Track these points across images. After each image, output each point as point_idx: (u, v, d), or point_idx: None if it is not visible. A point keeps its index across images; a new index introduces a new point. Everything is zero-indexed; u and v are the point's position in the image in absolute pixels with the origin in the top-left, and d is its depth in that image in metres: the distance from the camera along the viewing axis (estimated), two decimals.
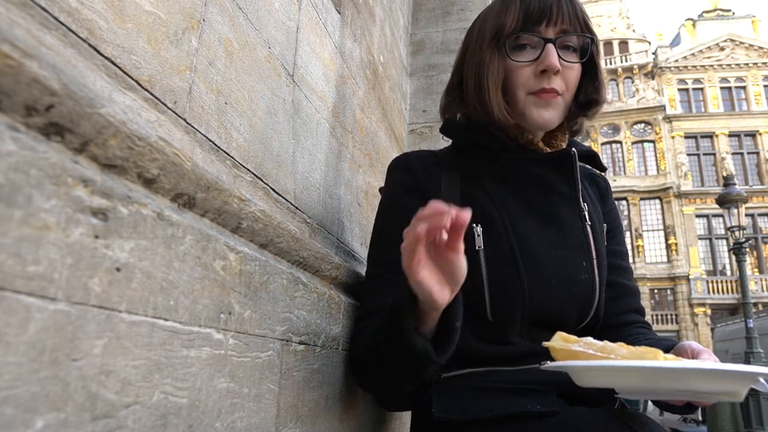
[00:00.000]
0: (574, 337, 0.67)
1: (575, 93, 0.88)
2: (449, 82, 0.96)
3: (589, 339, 0.66)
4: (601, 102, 0.91)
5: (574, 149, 0.89)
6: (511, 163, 0.89)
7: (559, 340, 0.67)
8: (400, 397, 0.91)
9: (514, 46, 0.84)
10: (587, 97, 0.90)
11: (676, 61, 23.52)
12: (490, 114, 0.85)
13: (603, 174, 1.04)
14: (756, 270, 20.28)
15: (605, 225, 0.97)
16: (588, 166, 0.99)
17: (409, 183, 0.89)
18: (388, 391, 0.88)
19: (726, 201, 7.80)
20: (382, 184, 0.98)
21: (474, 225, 0.84)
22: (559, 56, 0.82)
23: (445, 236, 0.58)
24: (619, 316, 0.93)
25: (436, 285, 0.62)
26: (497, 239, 0.83)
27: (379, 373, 0.80)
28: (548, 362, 0.67)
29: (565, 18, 0.82)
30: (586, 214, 0.90)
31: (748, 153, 21.99)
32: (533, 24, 0.82)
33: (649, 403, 11.67)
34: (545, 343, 0.68)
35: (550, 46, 0.81)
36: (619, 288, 0.95)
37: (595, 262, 0.87)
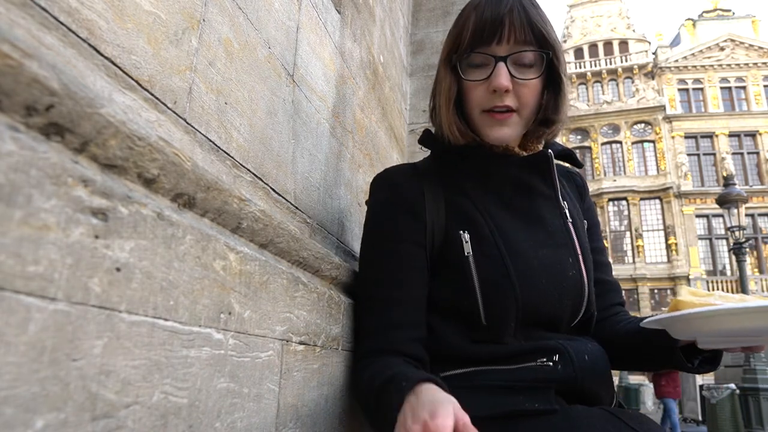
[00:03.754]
0: (704, 291, 0.73)
1: (538, 107, 0.87)
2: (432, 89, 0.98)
3: (721, 293, 0.72)
4: (557, 122, 0.89)
5: (550, 150, 0.91)
6: (490, 168, 0.91)
7: (689, 294, 0.73)
8: None
9: (468, 64, 0.84)
10: (546, 115, 0.88)
11: (676, 61, 23.51)
12: (441, 131, 0.89)
13: (579, 171, 1.06)
14: (756, 270, 20.27)
15: (585, 222, 0.99)
16: (565, 164, 1.01)
17: (394, 200, 0.90)
18: None
19: (726, 201, 7.79)
20: None
21: (461, 232, 0.85)
22: (511, 74, 0.81)
23: None
24: (605, 311, 0.96)
25: None
26: (485, 244, 0.84)
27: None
28: (661, 315, 0.73)
29: (518, 33, 0.80)
30: (567, 212, 0.92)
31: (748, 153, 21.98)
32: (485, 41, 0.81)
33: (648, 404, 11.61)
34: (674, 298, 0.74)
35: (500, 65, 0.81)
36: (602, 284, 0.97)
37: (580, 257, 0.89)
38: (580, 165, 1.01)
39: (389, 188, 0.91)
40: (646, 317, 0.83)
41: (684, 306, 0.70)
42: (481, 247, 0.84)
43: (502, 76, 0.80)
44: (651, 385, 15.23)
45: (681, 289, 0.74)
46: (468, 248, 0.84)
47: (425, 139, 0.99)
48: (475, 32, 0.82)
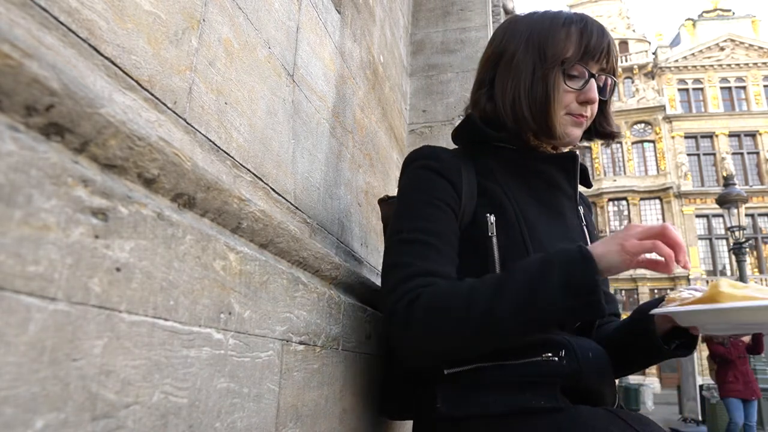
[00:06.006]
0: (741, 284, 0.73)
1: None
2: (479, 76, 1.01)
3: (757, 285, 0.73)
4: (615, 135, 1.04)
5: (577, 152, 0.99)
6: (521, 160, 0.96)
7: (728, 286, 0.72)
8: (460, 358, 0.86)
9: (565, 72, 0.93)
10: (603, 129, 1.01)
11: (676, 61, 23.52)
12: (547, 129, 0.91)
13: (583, 193, 1.13)
14: (756, 270, 20.26)
15: None
16: None
17: (436, 168, 0.91)
18: (461, 350, 0.82)
19: (726, 201, 7.79)
20: (382, 184, 0.98)
21: (488, 214, 0.89)
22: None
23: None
24: (602, 319, 1.01)
25: None
26: (509, 227, 0.88)
27: (479, 331, 0.75)
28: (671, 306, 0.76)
29: (609, 60, 0.93)
30: (582, 215, 0.99)
31: (748, 153, 21.98)
32: (589, 58, 0.92)
33: (648, 403, 11.65)
34: (714, 285, 0.74)
35: (593, 82, 0.92)
36: None
37: None
38: (590, 185, 1.07)
39: (432, 157, 0.93)
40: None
41: (724, 298, 0.71)
42: (504, 230, 0.88)
43: (595, 91, 0.92)
44: (651, 386, 15.05)
45: (720, 281, 0.74)
46: (492, 229, 0.88)
47: (461, 127, 1.01)
48: (586, 49, 0.92)
